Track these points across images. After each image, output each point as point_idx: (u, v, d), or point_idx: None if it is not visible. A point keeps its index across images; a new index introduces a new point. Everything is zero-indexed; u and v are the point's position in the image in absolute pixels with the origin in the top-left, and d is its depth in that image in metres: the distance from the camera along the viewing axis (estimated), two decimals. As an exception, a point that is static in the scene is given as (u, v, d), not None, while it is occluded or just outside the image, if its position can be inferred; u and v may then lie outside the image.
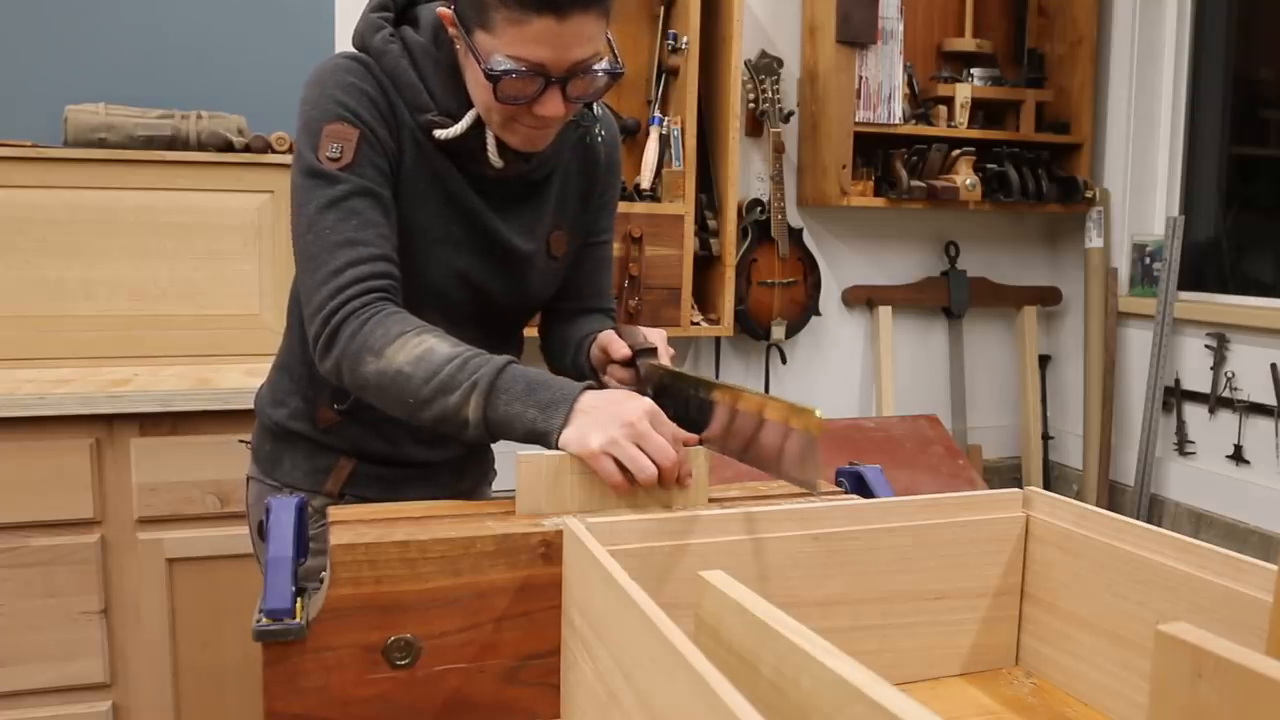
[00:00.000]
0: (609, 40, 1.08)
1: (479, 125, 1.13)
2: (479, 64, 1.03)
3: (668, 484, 0.93)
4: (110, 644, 1.96)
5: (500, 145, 1.14)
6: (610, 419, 0.92)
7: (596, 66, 1.05)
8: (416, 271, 1.16)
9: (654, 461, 0.90)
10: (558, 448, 0.93)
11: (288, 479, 1.26)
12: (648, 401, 0.95)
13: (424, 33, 1.14)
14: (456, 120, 1.12)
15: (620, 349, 1.17)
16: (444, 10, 1.06)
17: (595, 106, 1.27)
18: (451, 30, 1.07)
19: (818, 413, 0.80)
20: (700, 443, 0.97)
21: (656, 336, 1.17)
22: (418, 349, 0.99)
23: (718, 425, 0.96)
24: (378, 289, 1.05)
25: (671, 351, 1.18)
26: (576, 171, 1.27)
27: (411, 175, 1.14)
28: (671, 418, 1.05)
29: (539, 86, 1.04)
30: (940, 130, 3.02)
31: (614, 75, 1.08)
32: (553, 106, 1.06)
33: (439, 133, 1.12)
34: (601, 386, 1.08)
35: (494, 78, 1.02)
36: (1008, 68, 3.21)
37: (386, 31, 1.13)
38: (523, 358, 1.35)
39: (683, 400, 1.04)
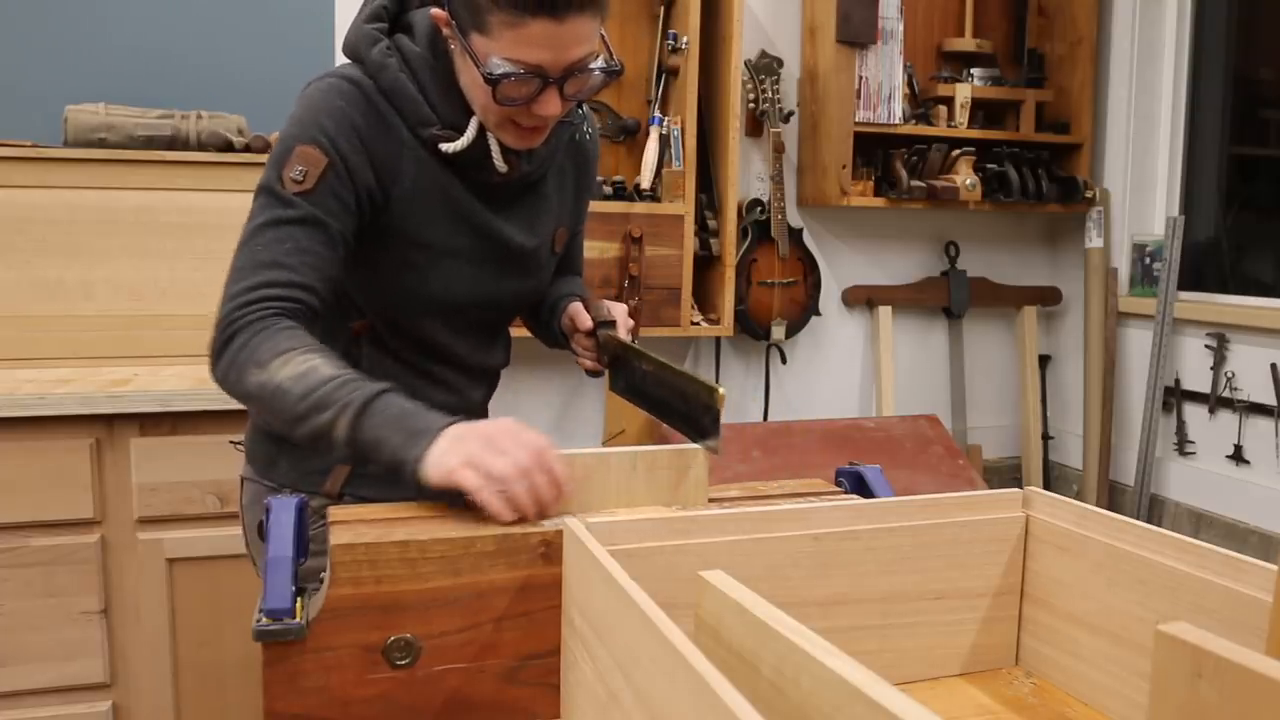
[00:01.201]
0: (603, 38, 1.08)
1: (482, 133, 1.14)
2: (476, 66, 1.03)
3: (537, 492, 0.88)
4: (110, 644, 1.96)
5: (503, 150, 1.15)
6: (470, 439, 0.91)
7: (592, 65, 1.06)
8: (421, 286, 1.17)
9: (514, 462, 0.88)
10: (416, 478, 0.91)
11: (285, 480, 1.26)
12: (511, 420, 0.95)
13: (420, 40, 1.14)
14: (459, 131, 1.12)
15: (585, 320, 1.26)
16: (438, 11, 1.06)
17: (582, 104, 1.29)
18: (446, 31, 1.07)
19: (721, 390, 0.98)
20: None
21: (619, 311, 1.27)
22: (301, 366, 0.99)
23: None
24: (279, 309, 1.05)
25: (631, 324, 1.28)
26: (572, 169, 1.30)
27: (414, 193, 1.14)
28: (623, 385, 1.22)
29: (537, 88, 1.04)
30: (940, 130, 3.02)
31: (610, 73, 1.09)
32: (550, 106, 1.06)
33: (445, 146, 1.12)
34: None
35: (492, 81, 1.02)
36: (1008, 68, 3.21)
37: (384, 44, 1.12)
38: (514, 358, 1.40)
39: (631, 369, 1.19)
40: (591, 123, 1.34)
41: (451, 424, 0.94)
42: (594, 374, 1.30)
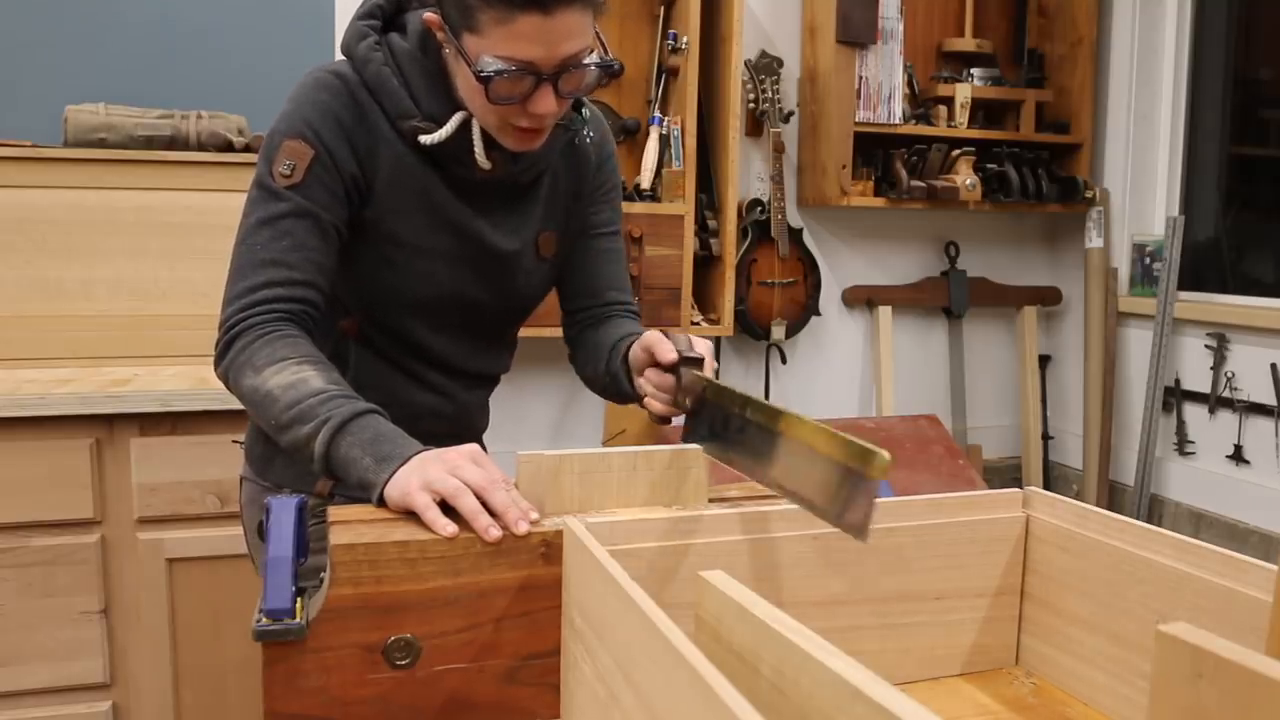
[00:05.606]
0: (597, 34, 1.07)
1: (464, 129, 1.12)
2: (469, 67, 1.03)
3: (498, 512, 0.85)
4: (110, 644, 1.96)
5: (487, 147, 1.14)
6: (432, 463, 0.90)
7: (587, 60, 1.05)
8: (399, 284, 1.17)
9: (469, 485, 0.86)
10: (382, 503, 0.91)
11: (279, 479, 1.26)
12: (473, 445, 0.94)
13: (411, 39, 1.14)
14: (441, 126, 1.12)
15: (667, 352, 1.08)
16: (431, 16, 1.06)
17: (584, 109, 1.26)
18: (439, 35, 1.07)
19: (885, 455, 0.70)
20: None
21: (703, 346, 1.09)
22: (293, 376, 0.99)
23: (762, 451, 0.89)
24: (284, 311, 1.06)
25: (715, 365, 1.11)
26: (566, 172, 1.27)
27: (392, 189, 1.14)
28: (706, 434, 0.99)
29: (530, 85, 1.04)
30: (940, 130, 3.02)
31: (605, 68, 1.08)
32: (545, 104, 1.05)
33: (424, 138, 1.11)
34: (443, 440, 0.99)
35: (485, 79, 1.02)
36: (1008, 68, 3.21)
37: (372, 39, 1.13)
38: (515, 358, 1.36)
39: (722, 417, 0.96)
40: (597, 125, 1.30)
41: (421, 451, 0.94)
42: (664, 420, 1.11)
